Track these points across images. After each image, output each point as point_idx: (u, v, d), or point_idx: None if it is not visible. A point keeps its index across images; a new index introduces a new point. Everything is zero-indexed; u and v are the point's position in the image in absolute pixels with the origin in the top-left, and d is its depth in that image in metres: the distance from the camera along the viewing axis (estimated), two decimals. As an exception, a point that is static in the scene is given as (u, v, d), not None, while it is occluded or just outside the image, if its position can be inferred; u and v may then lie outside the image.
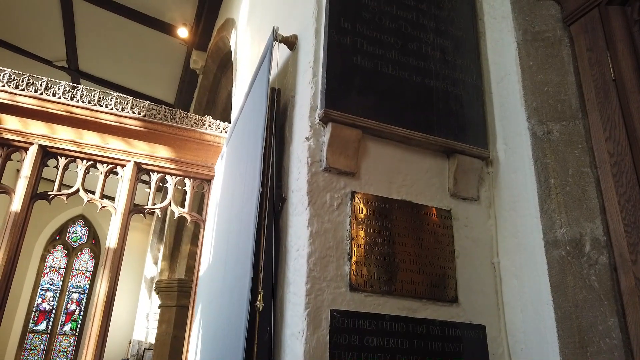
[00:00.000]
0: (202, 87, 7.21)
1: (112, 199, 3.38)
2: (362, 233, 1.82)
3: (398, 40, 2.14)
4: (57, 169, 3.32)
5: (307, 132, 1.91)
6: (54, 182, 3.32)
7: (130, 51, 7.53)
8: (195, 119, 3.63)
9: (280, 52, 2.40)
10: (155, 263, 9.70)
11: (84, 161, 3.39)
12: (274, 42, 2.28)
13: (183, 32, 6.72)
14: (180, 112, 3.61)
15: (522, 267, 1.88)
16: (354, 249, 1.79)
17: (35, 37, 7.50)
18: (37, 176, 3.24)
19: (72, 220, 12.69)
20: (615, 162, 1.76)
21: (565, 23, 2.08)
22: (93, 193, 3.38)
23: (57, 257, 12.29)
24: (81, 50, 7.60)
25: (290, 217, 1.94)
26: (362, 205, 1.86)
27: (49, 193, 3.27)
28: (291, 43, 2.30)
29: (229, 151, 3.09)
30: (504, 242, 2.01)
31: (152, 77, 8.10)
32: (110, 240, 3.26)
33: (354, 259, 1.77)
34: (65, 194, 3.33)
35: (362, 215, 1.84)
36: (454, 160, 2.06)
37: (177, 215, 3.57)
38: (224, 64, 6.43)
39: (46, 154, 3.30)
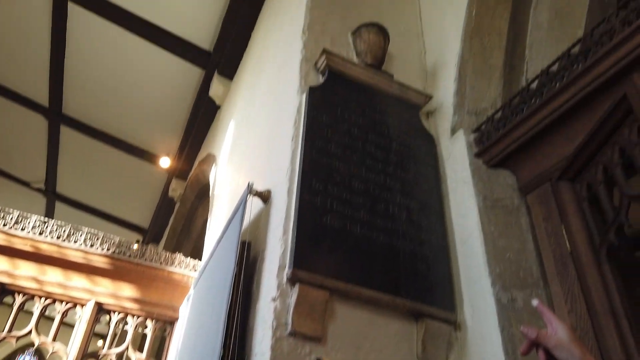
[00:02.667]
0: (179, 214, 7.23)
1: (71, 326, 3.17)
2: (326, 406, 1.71)
3: (367, 201, 2.23)
4: (13, 307, 3.16)
5: (274, 292, 1.89)
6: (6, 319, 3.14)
7: (110, 176, 7.66)
8: (165, 256, 3.59)
9: (255, 204, 2.47)
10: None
11: (42, 299, 3.24)
12: (249, 196, 2.36)
13: (165, 162, 6.92)
14: (151, 249, 3.57)
15: None
16: None
17: (17, 158, 7.63)
18: (-12, 313, 3.07)
19: (22, 349, 11.71)
20: (579, 336, 1.76)
21: (522, 192, 2.22)
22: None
23: (0, 389, 11.10)
24: (61, 173, 7.71)
25: (251, 383, 1.83)
26: (327, 374, 1.78)
27: (-4, 333, 3.06)
28: (265, 197, 2.38)
29: (195, 295, 3.01)
30: (476, 415, 1.91)
31: (130, 202, 8.15)
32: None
33: None
34: (14, 337, 3.12)
35: (326, 386, 1.75)
36: (422, 324, 2.03)
37: (134, 360, 3.35)
38: (202, 194, 6.54)
39: (3, 291, 3.16)
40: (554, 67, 2.14)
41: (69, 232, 3.37)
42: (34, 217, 3.36)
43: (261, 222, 2.34)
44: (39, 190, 7.92)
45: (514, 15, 2.70)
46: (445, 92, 2.74)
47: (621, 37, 1.83)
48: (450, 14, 2.95)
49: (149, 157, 7.03)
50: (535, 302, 1.15)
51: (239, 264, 2.13)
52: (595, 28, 1.98)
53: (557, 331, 1.07)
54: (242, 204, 2.35)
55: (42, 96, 6.41)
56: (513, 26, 2.70)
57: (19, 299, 3.18)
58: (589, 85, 1.95)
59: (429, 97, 2.77)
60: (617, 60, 1.85)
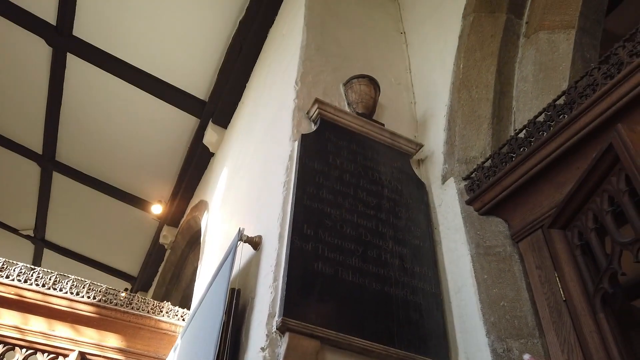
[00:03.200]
0: (169, 261, 7.12)
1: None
2: None
3: (358, 247, 2.22)
4: (-9, 358, 3.03)
5: (263, 342, 1.84)
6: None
7: (100, 223, 7.58)
8: (153, 304, 3.50)
9: (245, 250, 2.45)
10: None
11: (24, 350, 3.12)
12: (239, 242, 2.34)
13: (157, 209, 6.88)
14: (138, 298, 3.49)
15: None
16: None
17: (7, 204, 7.56)
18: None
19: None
20: (577, 388, 1.72)
21: (514, 240, 2.22)
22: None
23: None
24: (51, 220, 7.62)
25: None
26: None
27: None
28: (256, 243, 2.35)
29: (183, 345, 2.91)
30: None
31: (119, 249, 8.02)
32: None
33: None
34: (-8, 391, 2.98)
35: None
36: (415, 375, 1.97)
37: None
38: (194, 241, 6.46)
39: (-18, 340, 3.05)
40: (541, 118, 2.20)
41: (55, 279, 3.29)
42: (20, 264, 3.29)
43: (251, 268, 2.31)
44: (27, 237, 7.80)
45: (500, 69, 2.80)
46: (435, 141, 2.80)
47: (604, 90, 1.90)
48: (438, 67, 3.06)
49: (141, 204, 6.99)
50: (526, 357, 1.13)
51: (228, 312, 2.08)
52: (579, 81, 2.06)
53: None
54: (232, 250, 2.32)
55: (36, 143, 6.43)
56: (499, 79, 2.79)
57: (-2, 350, 3.06)
58: (575, 135, 2.00)
59: (419, 146, 2.82)
60: (601, 112, 1.92)
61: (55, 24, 5.03)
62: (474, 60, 2.80)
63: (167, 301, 3.72)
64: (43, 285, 3.24)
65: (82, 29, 5.08)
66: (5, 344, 3.10)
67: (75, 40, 5.14)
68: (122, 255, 8.15)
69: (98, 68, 5.34)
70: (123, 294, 3.47)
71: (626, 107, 1.84)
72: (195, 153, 5.91)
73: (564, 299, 1.88)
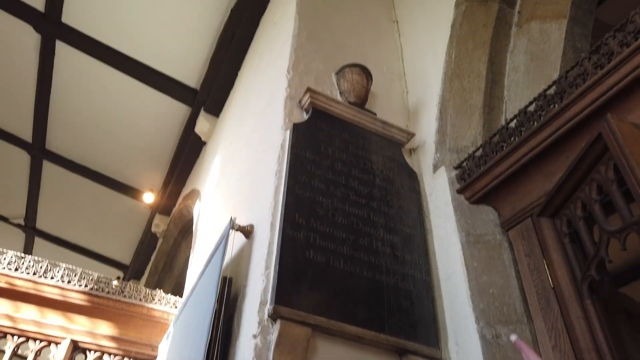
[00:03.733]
0: (161, 250, 7.11)
1: None
2: None
3: (350, 235, 2.23)
4: (-18, 346, 3.03)
5: (254, 329, 1.85)
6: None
7: (91, 212, 7.55)
8: (145, 292, 3.50)
9: (237, 239, 2.45)
10: None
11: (15, 337, 3.12)
12: (231, 231, 2.34)
13: (149, 198, 6.85)
14: (130, 286, 3.49)
15: None
16: None
17: (-3, 194, 7.50)
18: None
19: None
20: (563, 373, 1.75)
21: (504, 228, 2.24)
22: None
23: None
24: (42, 209, 7.57)
25: None
26: (308, 415, 1.72)
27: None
28: (247, 232, 2.36)
29: (175, 333, 2.93)
30: None
31: (111, 238, 8.00)
32: None
33: None
34: (-17, 379, 2.99)
35: None
36: (406, 361, 2.00)
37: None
38: (186, 230, 6.46)
39: (-26, 328, 3.04)
40: (531, 107, 2.21)
41: (46, 268, 3.28)
42: (10, 253, 3.27)
43: (243, 257, 2.32)
44: (18, 225, 7.75)
45: (492, 59, 2.81)
46: (427, 130, 2.80)
47: (594, 79, 1.91)
48: (430, 57, 3.06)
49: (132, 192, 6.97)
50: (513, 338, 1.16)
51: (220, 300, 2.09)
52: (569, 70, 2.07)
53: None
54: (224, 239, 2.32)
55: (25, 132, 6.37)
56: (491, 68, 2.79)
57: (-10, 338, 3.06)
58: (565, 125, 2.01)
59: (411, 135, 2.83)
60: (591, 101, 1.93)
61: (43, 11, 4.96)
62: (466, 50, 2.80)
63: (160, 289, 3.72)
64: (34, 274, 3.23)
65: (71, 16, 5.00)
66: (-3, 332, 3.10)
67: (64, 27, 5.07)
68: (114, 243, 8.13)
69: (88, 55, 5.28)
70: (115, 282, 3.46)
71: (616, 96, 1.85)
72: (187, 142, 5.89)
73: (552, 286, 1.91)
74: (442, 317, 2.19)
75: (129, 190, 6.98)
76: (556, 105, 2.06)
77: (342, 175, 2.43)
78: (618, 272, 3.93)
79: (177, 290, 5.99)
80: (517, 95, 2.68)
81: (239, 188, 3.07)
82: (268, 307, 1.88)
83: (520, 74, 2.71)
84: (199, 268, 2.92)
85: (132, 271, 8.01)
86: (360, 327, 1.96)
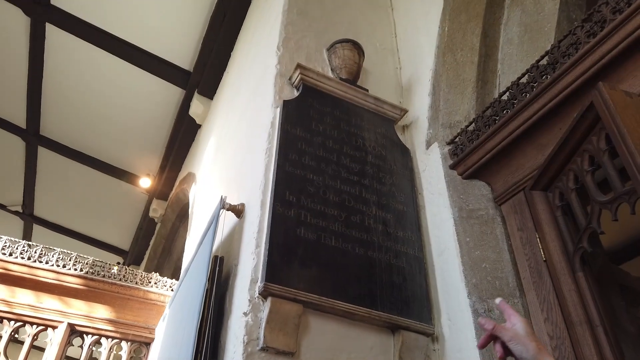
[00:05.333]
0: (159, 235, 7.12)
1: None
2: None
3: (342, 213, 2.21)
4: (-21, 331, 3.04)
5: (245, 307, 1.85)
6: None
7: (89, 198, 7.54)
8: (142, 276, 3.50)
9: (229, 218, 2.44)
10: None
11: (12, 322, 3.13)
12: (221, 210, 2.32)
13: (145, 182, 6.84)
14: (126, 269, 3.49)
15: None
16: None
17: (-7, 181, 7.48)
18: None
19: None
20: (555, 345, 1.75)
21: (497, 203, 2.22)
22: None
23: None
24: (39, 195, 7.56)
25: (222, 402, 1.77)
26: (300, 390, 1.73)
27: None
28: (238, 211, 2.34)
29: (171, 314, 2.93)
30: None
31: (109, 223, 8.01)
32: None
33: None
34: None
35: (299, 402, 1.70)
36: (398, 337, 2.00)
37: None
38: (183, 214, 6.45)
39: (-31, 313, 3.05)
40: (524, 79, 2.17)
41: (41, 252, 3.27)
42: (4, 238, 3.26)
43: (235, 236, 2.30)
44: (16, 213, 7.75)
45: (485, 31, 2.75)
46: (420, 106, 2.77)
47: (586, 48, 1.87)
48: (423, 31, 3.00)
49: (129, 177, 6.94)
50: (497, 300, 1.16)
51: (211, 279, 2.08)
52: (562, 40, 2.02)
53: (515, 325, 1.07)
54: (215, 219, 2.31)
55: (19, 118, 6.32)
56: (485, 41, 2.74)
57: (-14, 323, 3.07)
58: (557, 96, 1.98)
59: (404, 111, 2.79)
60: (583, 71, 1.89)
61: (31, -7, 4.87)
62: (459, 23, 2.75)
63: (156, 273, 3.72)
64: (29, 259, 3.23)
65: (61, -3, 4.92)
66: (-7, 317, 3.11)
67: (54, 9, 4.98)
68: (113, 229, 8.14)
69: (79, 39, 5.21)
70: (115, 269, 3.46)
71: (609, 65, 1.81)
72: (181, 125, 5.84)
73: (544, 259, 1.90)
74: (434, 293, 2.18)
75: (125, 176, 6.95)
76: (548, 76, 2.02)
77: (334, 153, 2.40)
78: (617, 248, 3.92)
79: (176, 275, 6.01)
80: (511, 69, 2.63)
81: (231, 168, 3.05)
82: (259, 285, 1.87)
83: (514, 46, 2.66)
84: (193, 250, 2.91)
85: (131, 256, 8.04)
86: (352, 304, 1.96)
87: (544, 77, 2.05)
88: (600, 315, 1.72)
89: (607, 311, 1.75)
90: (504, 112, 2.21)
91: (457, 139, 2.42)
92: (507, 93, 2.23)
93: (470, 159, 2.31)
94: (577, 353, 1.68)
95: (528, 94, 2.10)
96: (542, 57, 2.10)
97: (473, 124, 2.37)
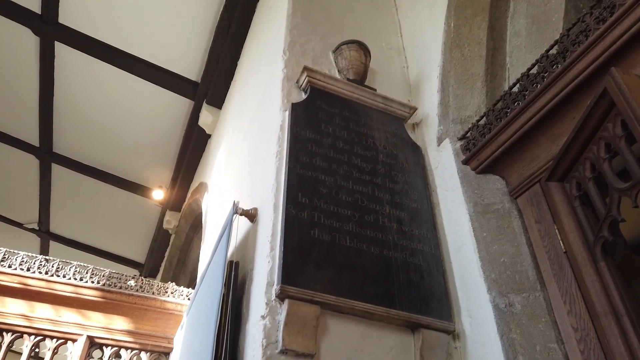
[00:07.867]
0: (174, 246, 7.15)
1: None
2: None
3: (355, 213, 2.19)
4: (1, 347, 3.06)
5: (262, 310, 1.84)
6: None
7: (103, 212, 7.60)
8: (158, 286, 3.51)
9: (242, 223, 2.43)
10: None
11: (32, 337, 3.15)
12: (235, 215, 2.32)
13: (158, 195, 6.87)
14: (142, 279, 3.50)
15: None
16: None
17: (9, 199, 7.58)
18: (-24, 355, 2.97)
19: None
20: (580, 337, 1.71)
21: (512, 196, 2.19)
22: None
23: None
24: (54, 212, 7.64)
25: (243, 407, 1.75)
26: (321, 393, 1.71)
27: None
28: (252, 216, 2.34)
29: (189, 322, 2.93)
30: None
31: (124, 237, 8.06)
32: None
33: None
34: (2, 380, 3.02)
35: (321, 405, 1.68)
36: (419, 335, 1.97)
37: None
38: (197, 224, 6.47)
39: (-10, 330, 3.07)
40: (534, 70, 2.14)
41: (58, 266, 3.30)
42: (22, 253, 3.30)
43: (249, 241, 2.30)
44: (32, 230, 7.84)
45: (492, 25, 2.73)
46: (429, 103, 2.75)
47: (596, 35, 1.84)
48: (429, 28, 2.99)
49: (142, 190, 6.99)
50: None
51: (227, 284, 2.07)
52: (571, 28, 2.00)
53: None
54: (228, 224, 2.31)
55: (32, 136, 6.41)
56: (492, 35, 2.72)
57: (7, 338, 3.09)
58: (569, 84, 1.95)
59: (413, 109, 2.77)
60: (595, 57, 1.86)
61: (40, 13, 4.95)
62: (465, 18, 2.73)
63: (172, 282, 3.73)
64: (46, 273, 3.25)
65: (68, 16, 4.99)
66: (14, 332, 3.13)
67: (62, 28, 5.06)
68: (128, 242, 8.20)
69: (87, 55, 5.28)
70: (132, 282, 3.47)
71: (620, 50, 1.78)
72: (191, 136, 5.88)
73: (564, 250, 1.86)
74: (453, 290, 2.15)
75: (138, 189, 7.00)
76: (559, 65, 1.99)
77: (344, 153, 2.39)
78: (636, 242, 3.84)
79: (192, 285, 6.01)
80: (520, 61, 2.61)
81: (242, 173, 3.05)
82: (275, 288, 1.86)
83: (522, 38, 2.63)
84: (208, 258, 2.91)
85: (147, 269, 8.07)
86: (370, 304, 1.94)
87: (554, 66, 2.03)
88: (625, 305, 1.68)
89: (632, 301, 1.71)
90: (515, 104, 2.19)
91: (468, 134, 2.39)
92: (518, 85, 2.20)
93: (483, 153, 2.28)
94: (604, 344, 1.64)
95: (539, 85, 2.07)
96: (552, 47, 2.07)
97: (484, 118, 2.34)
